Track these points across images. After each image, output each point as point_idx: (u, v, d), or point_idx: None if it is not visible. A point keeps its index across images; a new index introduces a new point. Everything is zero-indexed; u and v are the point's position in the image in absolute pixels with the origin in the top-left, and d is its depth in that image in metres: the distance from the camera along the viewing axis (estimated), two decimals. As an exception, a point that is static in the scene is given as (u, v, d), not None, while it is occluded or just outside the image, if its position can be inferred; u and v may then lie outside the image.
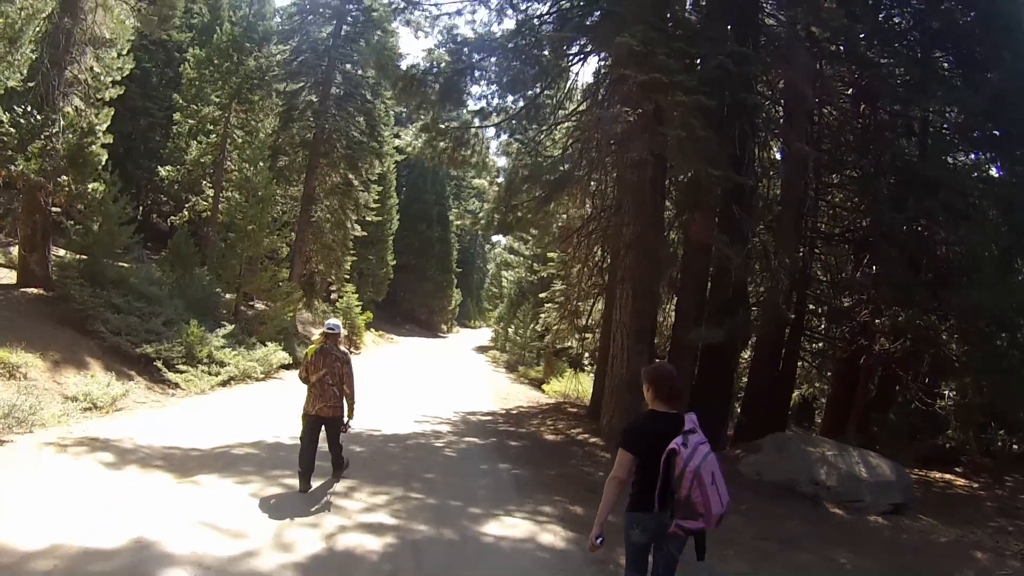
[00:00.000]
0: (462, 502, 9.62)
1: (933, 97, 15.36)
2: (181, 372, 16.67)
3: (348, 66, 32.62)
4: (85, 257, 17.64)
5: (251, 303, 25.45)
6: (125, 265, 19.61)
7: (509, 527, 8.73)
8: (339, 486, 9.69)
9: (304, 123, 31.72)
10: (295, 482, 9.29)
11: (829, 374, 20.74)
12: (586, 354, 26.66)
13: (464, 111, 18.53)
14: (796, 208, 15.51)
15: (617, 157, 14.66)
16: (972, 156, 17.52)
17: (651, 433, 5.06)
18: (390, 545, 7.63)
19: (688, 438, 4.87)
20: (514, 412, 20.42)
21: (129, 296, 17.85)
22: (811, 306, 18.59)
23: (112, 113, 18.65)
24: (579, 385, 25.03)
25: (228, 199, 24.12)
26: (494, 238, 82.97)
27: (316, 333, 11.32)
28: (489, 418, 18.66)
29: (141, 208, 31.69)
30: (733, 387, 16.10)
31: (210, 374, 17.60)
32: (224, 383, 17.98)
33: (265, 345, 21.59)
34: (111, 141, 18.73)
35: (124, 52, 18.55)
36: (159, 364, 16.39)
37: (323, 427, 9.45)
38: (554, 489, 10.69)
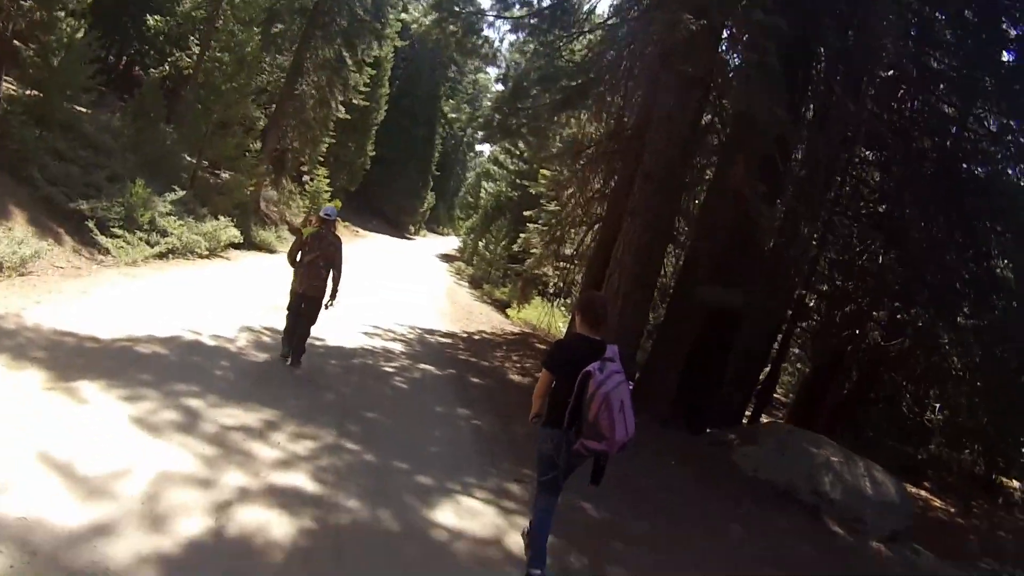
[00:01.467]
0: (409, 464, 7.30)
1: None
2: (115, 236, 14.47)
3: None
4: (38, 94, 15.19)
5: (216, 172, 22.93)
6: (81, 109, 17.12)
7: (468, 515, 6.45)
8: (255, 419, 7.30)
9: (306, -12, 28.89)
10: (198, 403, 7.31)
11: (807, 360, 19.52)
12: (561, 285, 24.23)
13: (484, -5, 16.11)
14: (826, 174, 13.49)
15: (659, 71, 12.19)
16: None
17: (573, 355, 5.30)
18: (303, 533, 5.24)
19: (605, 364, 5.09)
20: (476, 337, 18.19)
21: (76, 143, 15.58)
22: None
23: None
24: (550, 319, 22.70)
25: (211, 58, 21.37)
26: (480, 147, 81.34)
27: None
28: (449, 341, 16.48)
29: (124, 59, 28.89)
30: (727, 361, 14.00)
31: (148, 243, 15.47)
32: (161, 255, 15.85)
33: (217, 219, 19.30)
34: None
35: None
36: (91, 224, 14.07)
37: (303, 304, 9.84)
38: (522, 457, 8.20)
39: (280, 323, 10.35)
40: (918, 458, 18.62)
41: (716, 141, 14.98)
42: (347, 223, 41.75)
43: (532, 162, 26.94)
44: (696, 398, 13.60)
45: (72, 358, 7.64)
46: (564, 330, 19.93)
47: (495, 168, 40.96)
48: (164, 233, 16.24)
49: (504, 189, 38.16)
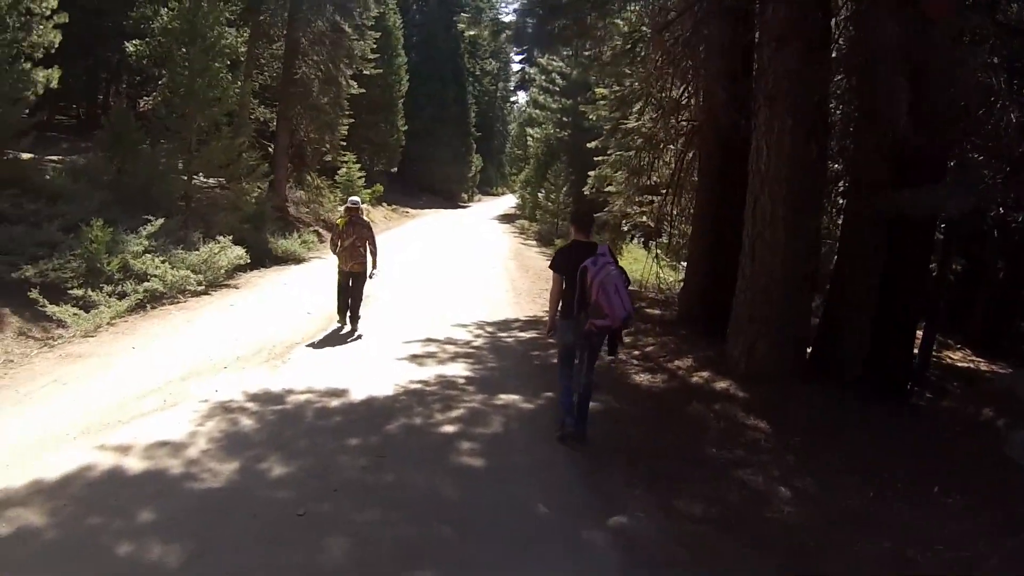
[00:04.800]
0: None
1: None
2: (74, 300, 10.75)
3: None
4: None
5: (226, 187, 18.51)
6: (26, 156, 14.12)
7: None
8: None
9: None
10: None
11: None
12: (652, 225, 19.04)
13: None
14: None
15: None
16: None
17: (574, 258, 6.39)
18: None
19: (598, 259, 6.19)
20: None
21: (23, 199, 12.11)
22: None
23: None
24: (649, 267, 17.64)
25: (161, 43, 17.24)
26: (516, 98, 76.92)
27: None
28: (532, 335, 11.70)
29: (112, 92, 25.80)
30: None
31: (118, 295, 11.41)
32: (136, 307, 11.65)
33: (216, 240, 14.97)
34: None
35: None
36: (35, 293, 10.12)
37: (349, 280, 11.10)
38: None
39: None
40: None
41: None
42: (394, 206, 38.08)
43: (579, 86, 24.98)
44: (897, 350, 9.60)
45: None
46: (678, 281, 15.76)
47: (537, 112, 38.10)
48: (142, 278, 12.15)
49: (552, 131, 35.31)
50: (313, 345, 10.31)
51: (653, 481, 5.95)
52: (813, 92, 8.13)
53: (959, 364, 14.67)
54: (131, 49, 19.78)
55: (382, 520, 5.03)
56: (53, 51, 13.13)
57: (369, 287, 11.55)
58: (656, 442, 6.89)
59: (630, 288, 6.64)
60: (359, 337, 10.82)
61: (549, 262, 6.88)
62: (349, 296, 11.12)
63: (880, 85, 7.65)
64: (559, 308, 6.59)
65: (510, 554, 4.71)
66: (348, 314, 11.18)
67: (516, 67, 76.54)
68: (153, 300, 12.03)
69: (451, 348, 10.51)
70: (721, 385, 8.53)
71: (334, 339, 10.77)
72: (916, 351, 11.49)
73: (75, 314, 10.21)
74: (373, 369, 8.97)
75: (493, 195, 71.64)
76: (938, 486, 6.01)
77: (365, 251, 11.07)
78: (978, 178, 8.54)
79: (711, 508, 5.54)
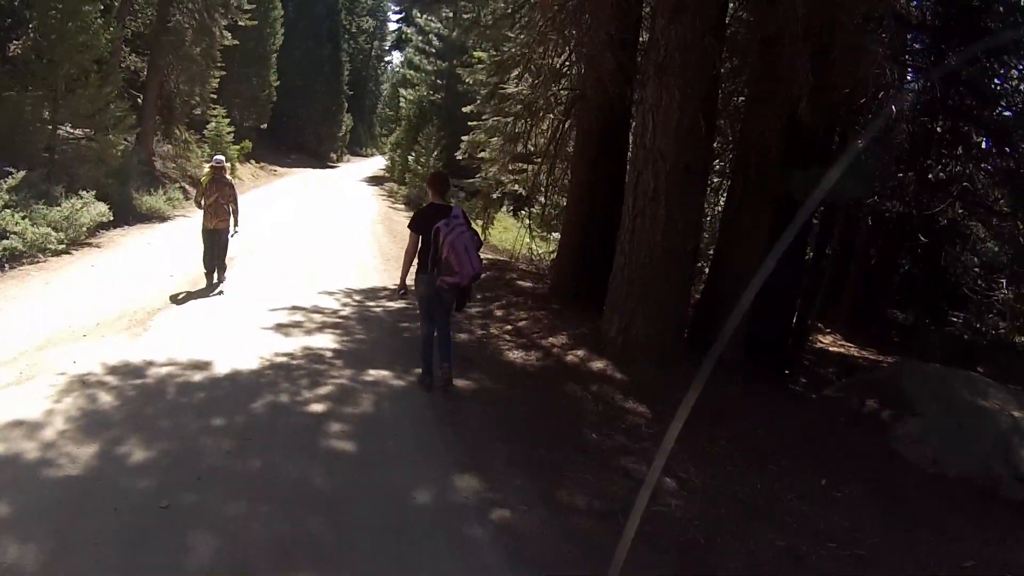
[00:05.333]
0: None
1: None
2: None
3: None
4: None
5: (92, 139, 16.64)
6: None
7: None
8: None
9: None
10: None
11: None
12: (523, 193, 18.63)
13: None
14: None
15: None
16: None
17: (430, 218, 6.95)
18: None
19: (451, 221, 6.78)
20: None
21: None
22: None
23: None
24: (520, 238, 17.36)
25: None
26: (391, 58, 75.57)
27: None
28: (402, 305, 10.95)
29: None
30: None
31: None
32: None
33: (79, 195, 13.93)
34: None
35: None
36: None
37: (214, 236, 11.46)
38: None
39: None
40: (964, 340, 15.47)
41: None
42: (263, 163, 36.84)
43: (456, 48, 25.00)
44: (774, 333, 9.67)
45: None
46: (549, 253, 15.78)
47: (411, 73, 36.84)
48: (1, 235, 11.15)
49: (425, 93, 34.59)
50: (176, 311, 9.69)
51: (532, 469, 5.63)
52: (707, 66, 7.87)
53: (831, 349, 14.95)
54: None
55: (251, 513, 4.56)
56: None
57: (234, 248, 12.19)
58: (533, 426, 6.58)
59: (481, 251, 7.29)
60: (221, 292, 11.17)
61: (409, 222, 7.41)
62: (215, 251, 11.58)
63: (782, 63, 7.43)
64: (416, 266, 7.19)
65: (391, 553, 4.31)
66: (216, 266, 11.69)
67: (393, 26, 75.31)
68: (11, 260, 11.04)
69: (318, 317, 9.99)
70: (598, 365, 8.26)
71: (197, 304, 10.18)
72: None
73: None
74: (238, 339, 8.41)
75: (362, 156, 69.78)
76: (826, 478, 5.92)
77: (228, 209, 11.54)
78: (867, 165, 8.51)
79: (595, 500, 5.25)
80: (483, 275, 7.96)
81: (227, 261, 11.95)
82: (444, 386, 7.16)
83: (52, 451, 5.07)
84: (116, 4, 20.78)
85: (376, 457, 5.62)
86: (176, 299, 10.27)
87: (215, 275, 11.61)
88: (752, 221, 8.70)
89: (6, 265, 10.87)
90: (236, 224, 11.72)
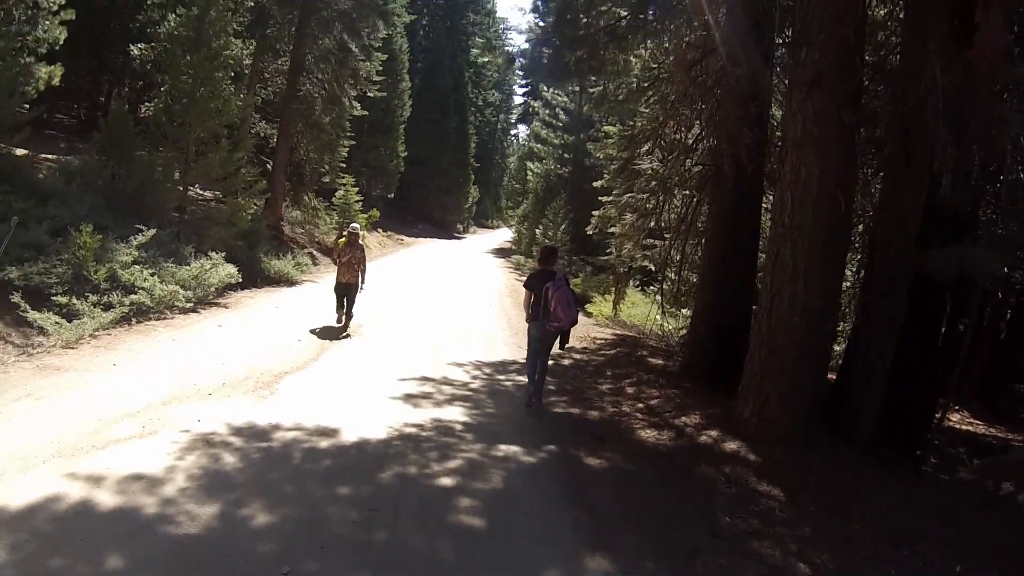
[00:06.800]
0: None
1: None
2: (57, 307, 10.10)
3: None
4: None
5: (221, 201, 17.91)
6: (20, 152, 13.80)
7: None
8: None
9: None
10: None
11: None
12: (653, 269, 18.49)
13: None
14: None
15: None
16: None
17: (540, 280, 8.96)
18: None
19: (556, 282, 8.81)
20: (566, 361, 12.75)
21: (12, 195, 11.33)
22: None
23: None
24: (650, 313, 17.21)
25: (166, 49, 16.58)
26: (516, 131, 76.99)
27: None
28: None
29: (114, 95, 24.62)
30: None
31: (103, 306, 10.80)
32: (121, 320, 11.08)
33: (208, 256, 14.44)
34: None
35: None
36: (18, 297, 9.59)
37: (345, 290, 13.57)
38: None
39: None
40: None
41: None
42: (389, 232, 37.65)
43: (582, 122, 24.97)
44: (911, 413, 9.16)
45: None
46: (679, 330, 15.67)
47: (538, 146, 37.32)
48: (130, 290, 11.58)
49: (553, 167, 34.74)
50: (303, 376, 9.81)
51: (664, 552, 5.49)
52: (845, 140, 7.74)
53: (959, 427, 14.27)
54: (136, 52, 19.72)
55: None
56: (57, 48, 12.93)
57: (363, 315, 14.40)
58: (665, 507, 6.41)
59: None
60: (347, 335, 13.17)
61: (523, 281, 10.09)
62: (345, 301, 13.61)
63: (922, 136, 7.26)
64: (529, 315, 9.14)
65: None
66: (344, 312, 13.69)
67: (519, 100, 76.80)
68: (139, 314, 11.50)
69: (447, 389, 10.02)
70: (731, 446, 8.06)
71: (325, 370, 10.27)
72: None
73: (57, 322, 9.69)
74: (366, 408, 8.49)
75: (488, 227, 71.33)
76: (960, 564, 5.63)
77: (358, 269, 13.55)
78: (1006, 238, 8.19)
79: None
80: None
81: (357, 328, 13.74)
82: (528, 400, 9.38)
83: (171, 507, 5.18)
84: (247, 73, 22.09)
85: (505, 534, 5.53)
86: (304, 365, 10.40)
87: (342, 318, 13.68)
88: (888, 299, 8.40)
89: (133, 319, 11.31)
90: (363, 282, 13.77)
